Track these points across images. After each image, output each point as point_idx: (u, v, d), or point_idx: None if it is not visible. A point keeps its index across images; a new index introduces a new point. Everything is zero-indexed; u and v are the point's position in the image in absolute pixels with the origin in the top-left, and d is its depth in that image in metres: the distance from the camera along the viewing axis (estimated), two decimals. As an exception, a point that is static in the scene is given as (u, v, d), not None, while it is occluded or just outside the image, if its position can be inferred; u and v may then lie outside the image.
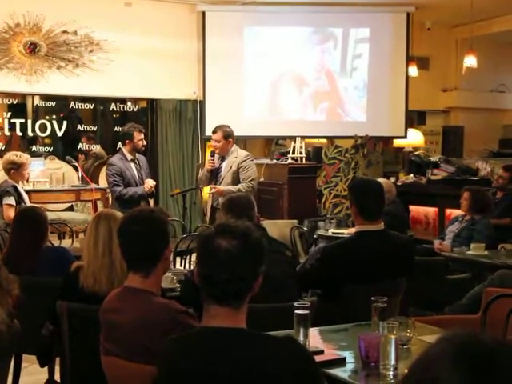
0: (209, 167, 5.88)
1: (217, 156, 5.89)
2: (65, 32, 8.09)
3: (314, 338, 2.55)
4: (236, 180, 5.76)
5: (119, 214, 2.94)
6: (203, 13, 8.66)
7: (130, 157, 5.97)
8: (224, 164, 5.85)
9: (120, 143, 6.86)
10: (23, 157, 5.70)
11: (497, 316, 3.22)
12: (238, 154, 5.87)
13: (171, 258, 4.21)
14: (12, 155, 5.70)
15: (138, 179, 5.97)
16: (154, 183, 6.15)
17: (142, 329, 2.21)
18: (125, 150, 6.01)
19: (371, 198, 3.38)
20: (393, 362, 2.16)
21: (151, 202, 6.42)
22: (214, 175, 5.89)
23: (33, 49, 7.99)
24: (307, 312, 2.43)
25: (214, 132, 5.85)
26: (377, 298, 2.61)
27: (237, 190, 5.53)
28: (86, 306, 2.73)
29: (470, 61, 8.40)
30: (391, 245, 3.38)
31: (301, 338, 2.41)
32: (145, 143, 6.16)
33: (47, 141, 8.80)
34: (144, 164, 6.13)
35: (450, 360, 0.87)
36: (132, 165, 5.98)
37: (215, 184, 5.86)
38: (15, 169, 5.58)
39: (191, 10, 8.77)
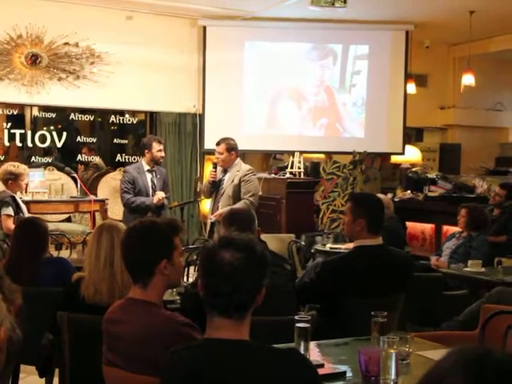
0: (210, 179, 5.89)
1: (219, 168, 5.90)
2: (66, 44, 8.14)
3: (313, 352, 2.57)
4: (237, 193, 5.76)
5: (122, 226, 2.97)
6: (204, 27, 8.73)
7: (146, 167, 6.00)
8: (226, 177, 5.85)
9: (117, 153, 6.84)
10: (20, 167, 5.72)
11: (494, 333, 3.23)
12: (240, 167, 5.87)
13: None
14: (9, 166, 5.72)
15: (152, 190, 5.98)
16: (164, 195, 6.09)
17: (144, 340, 2.21)
18: (143, 161, 6.07)
19: (380, 211, 3.43)
20: (393, 376, 2.18)
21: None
22: (215, 187, 5.90)
23: (34, 60, 8.04)
24: (308, 325, 2.45)
25: (218, 144, 5.86)
26: (377, 313, 2.63)
27: None
28: (87, 316, 2.73)
29: (468, 79, 8.47)
30: (390, 260, 3.40)
31: (301, 352, 2.42)
32: (163, 154, 6.18)
33: (46, 151, 8.80)
34: (161, 176, 6.13)
35: (461, 372, 0.89)
36: (148, 175, 6.00)
37: (216, 196, 5.88)
38: (13, 179, 5.59)
39: (192, 25, 8.84)
